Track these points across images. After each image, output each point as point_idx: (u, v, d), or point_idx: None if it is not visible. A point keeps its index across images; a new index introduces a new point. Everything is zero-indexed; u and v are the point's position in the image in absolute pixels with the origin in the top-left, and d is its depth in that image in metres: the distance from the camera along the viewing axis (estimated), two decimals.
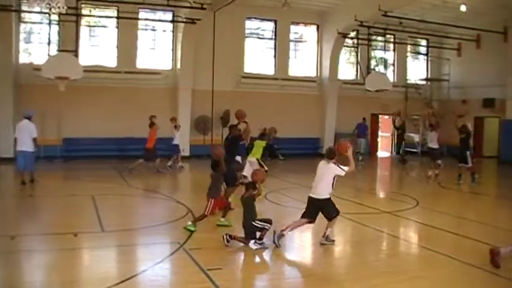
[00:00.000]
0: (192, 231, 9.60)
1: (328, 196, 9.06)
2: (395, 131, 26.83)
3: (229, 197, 11.36)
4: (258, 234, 8.87)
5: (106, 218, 10.79)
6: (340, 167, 8.93)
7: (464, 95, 28.38)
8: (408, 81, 29.99)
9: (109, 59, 23.13)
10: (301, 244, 9.54)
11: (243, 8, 24.21)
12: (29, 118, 15.10)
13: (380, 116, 29.10)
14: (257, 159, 15.32)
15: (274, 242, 8.79)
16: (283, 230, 8.91)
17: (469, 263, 7.98)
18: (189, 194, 15.80)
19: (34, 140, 14.99)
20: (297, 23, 27.25)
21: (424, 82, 30.43)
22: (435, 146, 18.93)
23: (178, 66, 23.78)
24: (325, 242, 9.09)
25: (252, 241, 8.78)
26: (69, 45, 20.36)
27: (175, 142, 19.93)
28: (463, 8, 22.41)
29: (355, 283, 7.26)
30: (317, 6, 25.72)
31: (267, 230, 8.84)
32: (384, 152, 29.52)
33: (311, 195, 9.16)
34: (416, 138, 28.70)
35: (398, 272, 7.74)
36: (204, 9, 21.21)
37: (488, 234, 10.03)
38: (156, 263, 7.69)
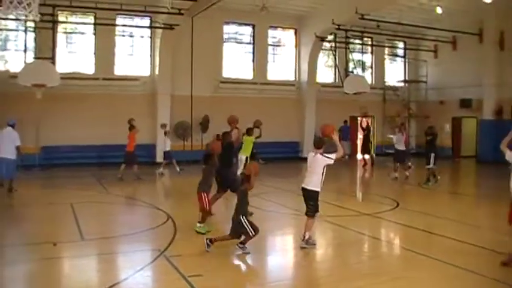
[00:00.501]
0: (204, 233, 9.65)
1: (317, 189, 9.00)
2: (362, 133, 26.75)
3: (216, 201, 11.35)
4: (242, 237, 8.76)
5: (85, 226, 10.67)
6: (327, 157, 8.90)
7: (442, 96, 28.75)
8: (386, 84, 30.26)
9: (87, 66, 22.97)
10: (282, 248, 9.54)
11: (220, 13, 24.20)
12: (12, 126, 14.95)
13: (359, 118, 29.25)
14: (246, 158, 15.38)
15: (305, 246, 8.88)
16: (305, 235, 8.94)
17: (451, 263, 8.04)
18: (169, 201, 15.74)
19: (17, 148, 14.79)
20: (275, 27, 27.35)
21: (401, 84, 30.70)
22: (402, 147, 19.01)
23: (157, 72, 23.70)
24: (305, 246, 8.97)
25: (239, 244, 8.72)
26: (45, 52, 20.14)
27: (167, 149, 19.91)
28: (438, 10, 22.66)
29: (337, 285, 7.27)
30: (295, 10, 25.84)
31: (250, 236, 8.67)
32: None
33: (303, 185, 9.17)
34: (394, 139, 28.81)
35: (380, 274, 7.76)
36: (182, 14, 21.18)
37: (468, 234, 10.14)
38: (137, 271, 7.62)
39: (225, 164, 11.35)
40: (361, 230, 10.73)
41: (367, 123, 24.78)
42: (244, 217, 8.69)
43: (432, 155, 17.20)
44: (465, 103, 26.93)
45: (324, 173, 8.97)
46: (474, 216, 12.67)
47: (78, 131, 21.81)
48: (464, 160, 27.68)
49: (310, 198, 9.04)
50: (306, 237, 9.01)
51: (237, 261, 8.48)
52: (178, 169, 19.75)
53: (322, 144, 9.11)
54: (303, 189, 9.14)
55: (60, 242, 9.24)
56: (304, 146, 26.50)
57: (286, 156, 25.77)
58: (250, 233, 8.64)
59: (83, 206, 13.11)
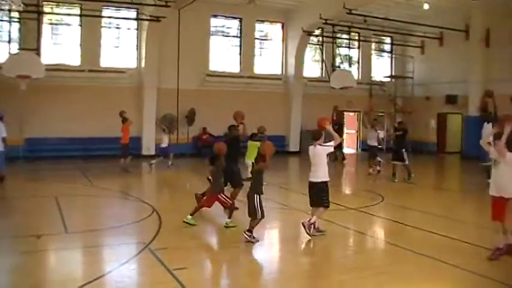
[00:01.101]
0: (232, 227, 9.88)
1: (326, 179, 9.45)
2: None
3: (235, 197, 11.30)
4: (248, 235, 8.90)
5: (70, 219, 10.60)
6: (326, 145, 9.44)
7: (428, 92, 28.89)
8: (373, 79, 30.32)
9: (72, 58, 22.74)
10: (268, 241, 9.54)
11: (208, 6, 24.13)
12: (0, 118, 15.28)
13: (346, 113, 29.34)
14: (252, 163, 15.40)
15: (311, 233, 9.20)
16: (310, 222, 9.27)
17: (435, 257, 8.08)
18: (155, 194, 15.70)
19: (3, 139, 15.07)
20: (262, 21, 27.30)
21: (388, 79, 30.79)
22: (374, 143, 18.97)
23: (143, 64, 23.55)
24: (315, 234, 9.30)
25: (246, 232, 8.88)
26: (30, 43, 19.95)
27: (164, 145, 19.91)
28: (426, 6, 22.75)
29: (322, 279, 7.30)
30: (282, 4, 25.80)
31: (256, 219, 8.90)
32: (349, 148, 29.69)
33: (310, 179, 9.49)
34: (381, 134, 28.95)
35: (365, 268, 7.79)
36: (169, 6, 21.04)
37: (453, 229, 10.19)
38: (122, 264, 7.59)
39: (232, 159, 11.30)
40: (346, 224, 10.76)
41: (338, 117, 24.62)
42: (258, 197, 8.92)
43: (403, 150, 17.10)
44: (451, 99, 27.08)
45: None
46: (459, 211, 12.75)
47: (63, 123, 21.64)
48: (449, 156, 27.85)
49: (322, 190, 9.41)
50: (315, 223, 9.35)
51: (222, 254, 8.47)
52: (170, 163, 19.67)
53: (319, 135, 9.50)
54: (312, 183, 9.46)
55: (44, 235, 9.17)
56: (290, 140, 26.54)
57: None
58: (258, 214, 8.85)
59: (68, 199, 13.02)
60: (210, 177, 10.79)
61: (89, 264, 7.90)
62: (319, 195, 9.41)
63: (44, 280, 7.19)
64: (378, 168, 18.79)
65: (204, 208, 10.48)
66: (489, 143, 8.29)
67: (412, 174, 17.19)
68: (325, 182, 9.45)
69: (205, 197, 10.67)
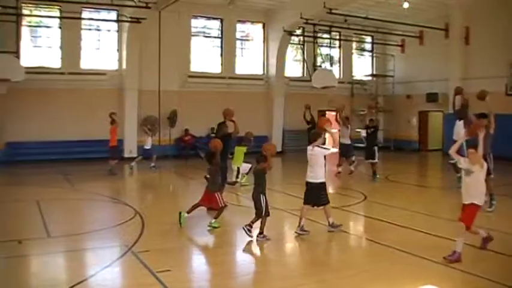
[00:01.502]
0: (216, 227, 9.95)
1: (323, 180, 9.67)
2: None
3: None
4: (252, 231, 9.13)
5: (52, 223, 10.52)
6: (323, 148, 9.72)
7: (409, 90, 29.15)
8: (354, 78, 30.44)
9: (52, 60, 22.56)
10: (251, 242, 9.54)
11: (188, 7, 24.08)
12: None
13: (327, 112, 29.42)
14: (238, 168, 15.47)
15: (299, 232, 9.47)
16: (329, 221, 9.76)
17: (418, 255, 8.16)
18: (137, 196, 15.63)
19: None
20: (243, 22, 27.29)
21: (369, 78, 30.94)
22: (347, 141, 18.37)
23: (124, 66, 23.41)
24: (332, 230, 9.76)
25: (258, 235, 9.15)
26: (9, 46, 19.75)
27: (147, 147, 19.87)
28: (405, 5, 22.89)
29: (305, 278, 7.32)
30: (263, 4, 25.83)
31: (260, 215, 9.19)
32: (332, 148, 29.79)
33: (308, 180, 9.69)
34: (363, 133, 29.08)
35: (348, 267, 7.85)
36: (149, 8, 20.95)
37: (435, 226, 10.29)
38: (104, 267, 7.56)
39: (222, 156, 11.31)
40: None
41: (312, 116, 24.34)
42: (263, 196, 9.20)
43: (375, 149, 17.19)
44: (431, 97, 27.28)
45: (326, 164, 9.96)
46: (440, 209, 12.82)
47: (44, 126, 21.46)
48: (431, 153, 28.06)
49: (320, 190, 9.64)
50: (331, 222, 9.83)
51: (205, 256, 8.47)
52: (152, 165, 19.59)
53: (318, 136, 9.65)
54: (310, 183, 9.67)
55: (26, 240, 9.12)
56: (272, 139, 26.55)
57: (255, 151, 25.66)
58: (261, 210, 9.13)
59: (50, 203, 12.93)
60: (207, 176, 10.76)
61: (72, 269, 7.87)
62: (317, 194, 9.65)
63: (25, 285, 7.13)
64: (352, 168, 18.36)
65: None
66: (458, 153, 8.30)
67: (378, 175, 17.28)
68: (324, 183, 9.69)
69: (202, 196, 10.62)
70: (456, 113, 13.95)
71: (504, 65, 22.31)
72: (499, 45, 23.24)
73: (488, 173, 9.63)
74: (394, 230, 10.25)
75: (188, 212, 10.28)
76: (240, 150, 15.76)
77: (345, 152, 18.32)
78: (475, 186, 7.92)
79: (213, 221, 10.09)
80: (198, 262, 8.35)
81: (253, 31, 27.85)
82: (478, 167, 7.87)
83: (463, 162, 8.05)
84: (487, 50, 24.01)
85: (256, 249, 9.19)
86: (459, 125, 13.59)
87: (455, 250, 7.81)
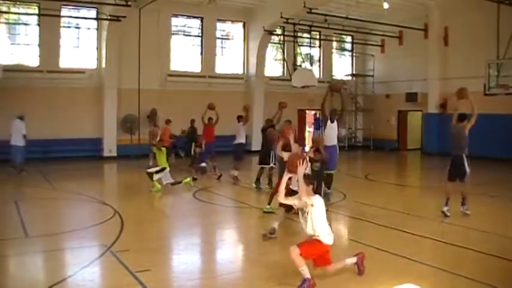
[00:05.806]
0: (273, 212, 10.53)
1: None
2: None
3: None
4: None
5: (30, 223, 10.44)
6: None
7: (388, 90, 29.39)
8: (334, 77, 30.54)
9: (30, 58, 22.35)
10: (231, 241, 9.57)
11: (169, 5, 24.02)
12: (21, 118, 17.95)
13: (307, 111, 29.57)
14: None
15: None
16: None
17: (396, 253, 8.25)
18: (116, 195, 15.55)
19: (24, 136, 17.74)
20: (224, 21, 27.29)
21: (349, 78, 31.10)
22: (242, 141, 18.06)
23: (103, 64, 23.25)
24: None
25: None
26: None
27: None
28: (385, 5, 23.07)
29: (285, 278, 7.33)
30: (243, 3, 25.87)
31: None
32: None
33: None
34: (343, 132, 29.27)
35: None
36: (129, 6, 20.85)
37: (414, 225, 10.41)
38: (83, 267, 7.52)
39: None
40: None
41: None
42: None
43: (272, 152, 14.68)
44: (411, 97, 27.53)
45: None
46: (419, 207, 12.95)
47: None
48: (410, 152, 28.31)
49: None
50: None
51: (185, 255, 8.46)
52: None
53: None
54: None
55: (3, 240, 9.06)
56: (252, 139, 26.54)
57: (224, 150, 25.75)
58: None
59: (28, 203, 12.85)
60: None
61: (50, 269, 7.81)
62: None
63: (3, 286, 7.05)
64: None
65: None
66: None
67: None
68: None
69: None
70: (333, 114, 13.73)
71: (482, 65, 22.57)
72: (478, 46, 23.51)
73: None
74: (373, 229, 10.33)
75: (268, 203, 11.11)
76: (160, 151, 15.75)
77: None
78: (316, 224, 7.31)
79: (267, 206, 10.99)
80: (178, 261, 8.33)
81: (233, 30, 27.85)
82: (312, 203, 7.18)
83: (298, 203, 7.42)
84: (465, 50, 24.31)
85: (237, 248, 9.22)
86: (332, 127, 13.46)
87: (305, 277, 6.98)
